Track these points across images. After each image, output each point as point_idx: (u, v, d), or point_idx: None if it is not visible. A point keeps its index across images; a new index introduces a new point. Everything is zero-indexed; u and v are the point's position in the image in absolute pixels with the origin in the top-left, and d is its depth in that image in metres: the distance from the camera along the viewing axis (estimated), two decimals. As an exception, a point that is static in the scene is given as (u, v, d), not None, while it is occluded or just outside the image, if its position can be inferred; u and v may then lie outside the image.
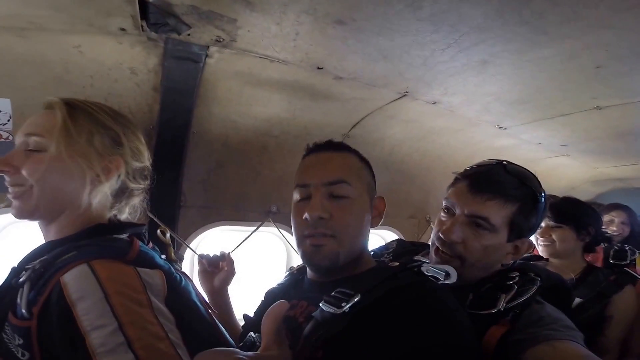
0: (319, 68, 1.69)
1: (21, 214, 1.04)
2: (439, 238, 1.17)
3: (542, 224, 1.95)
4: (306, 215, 0.99)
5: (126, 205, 1.18)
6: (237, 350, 0.70)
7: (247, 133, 2.09)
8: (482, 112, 2.34)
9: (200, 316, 1.08)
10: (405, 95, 2.03)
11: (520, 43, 1.53)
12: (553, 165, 3.59)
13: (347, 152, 1.10)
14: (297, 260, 2.44)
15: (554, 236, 1.96)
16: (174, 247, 1.88)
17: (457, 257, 1.14)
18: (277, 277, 2.47)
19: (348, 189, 1.02)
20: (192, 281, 1.19)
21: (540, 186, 1.18)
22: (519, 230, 1.14)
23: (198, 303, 1.10)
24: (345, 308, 0.85)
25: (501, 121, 2.51)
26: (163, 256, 1.24)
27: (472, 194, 1.14)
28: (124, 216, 1.19)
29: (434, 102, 2.14)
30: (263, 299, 1.26)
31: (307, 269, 1.13)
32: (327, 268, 1.01)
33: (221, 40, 1.46)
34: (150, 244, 1.18)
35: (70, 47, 1.45)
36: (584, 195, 4.84)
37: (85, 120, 1.07)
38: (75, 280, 0.87)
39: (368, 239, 1.10)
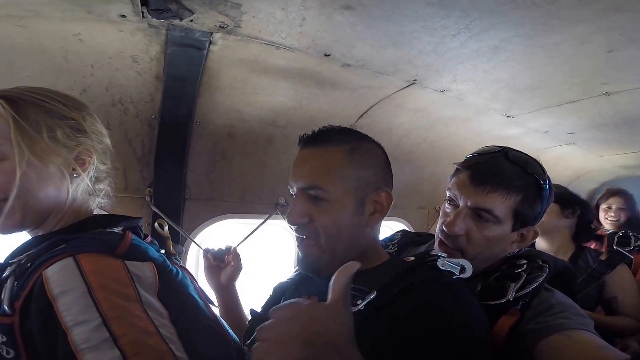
0: (326, 55, 1.65)
1: (8, 230, 0.99)
2: (442, 231, 1.16)
3: None
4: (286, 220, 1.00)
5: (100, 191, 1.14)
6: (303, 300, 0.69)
7: (253, 123, 2.05)
8: (491, 100, 2.31)
9: (199, 310, 1.06)
10: (414, 83, 1.99)
11: (532, 27, 1.50)
12: (559, 154, 3.57)
13: (332, 147, 1.01)
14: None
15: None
16: (178, 242, 1.86)
17: (459, 250, 1.12)
18: (285, 271, 2.46)
19: (322, 193, 0.97)
20: (191, 275, 1.17)
21: (544, 172, 1.15)
22: (524, 219, 1.12)
23: (196, 297, 1.08)
24: (360, 306, 0.83)
25: (509, 109, 2.48)
26: (162, 250, 1.21)
27: (474, 185, 1.11)
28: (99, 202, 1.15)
29: (443, 90, 2.11)
30: (271, 294, 1.23)
31: None
32: (312, 274, 1.01)
33: (225, 26, 1.41)
34: (149, 238, 1.15)
35: (69, 36, 1.41)
36: (588, 184, 4.85)
37: (38, 115, 0.98)
38: (58, 274, 0.84)
39: (366, 235, 1.04)
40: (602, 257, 1.99)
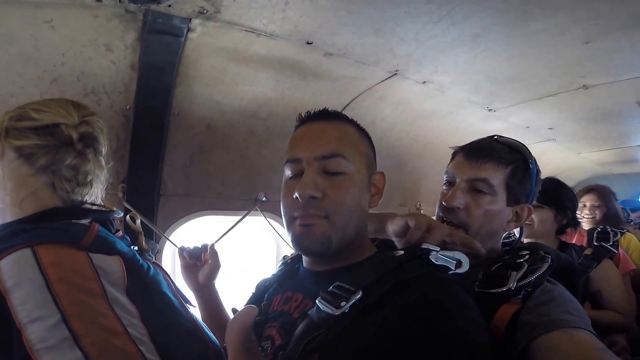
0: (308, 43, 1.62)
1: None
2: (443, 208, 1.18)
3: None
4: (296, 194, 0.88)
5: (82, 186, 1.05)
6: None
7: (233, 115, 2.00)
8: (472, 93, 2.33)
9: (172, 309, 1.01)
10: (396, 74, 1.98)
11: (513, 15, 1.52)
12: (540, 151, 3.63)
13: (344, 122, 0.99)
14: (286, 251, 2.37)
15: (533, 216, 1.90)
16: (153, 239, 1.79)
17: (462, 225, 1.14)
18: (266, 269, 2.41)
19: (344, 163, 0.91)
20: (165, 272, 1.12)
21: (530, 154, 1.21)
22: (516, 194, 1.17)
23: (170, 295, 1.03)
24: (344, 308, 0.75)
25: (490, 102, 2.51)
26: (135, 247, 1.15)
27: (468, 161, 1.18)
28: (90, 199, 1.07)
29: (424, 82, 2.11)
30: (254, 291, 1.17)
31: (302, 258, 1.03)
32: (319, 252, 0.91)
33: (204, 11, 1.37)
34: (120, 233, 1.09)
35: (40, 22, 1.34)
36: (566, 182, 4.94)
37: None
38: (12, 265, 0.78)
39: (366, 222, 1.01)
40: (587, 252, 1.99)
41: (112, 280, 0.86)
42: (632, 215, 4.21)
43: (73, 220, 0.95)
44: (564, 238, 2.12)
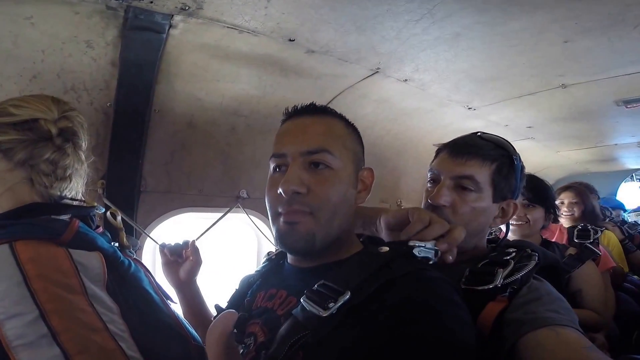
0: (290, 40, 1.62)
1: None
2: (428, 206, 1.16)
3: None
4: (280, 189, 0.87)
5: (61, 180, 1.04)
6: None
7: (214, 112, 1.99)
8: (452, 91, 2.35)
9: (153, 306, 1.00)
10: (377, 72, 2.00)
11: (493, 14, 1.53)
12: (519, 149, 3.54)
13: (331, 117, 0.98)
14: (268, 248, 2.37)
15: (529, 216, 1.97)
16: (133, 235, 1.77)
17: (448, 223, 1.11)
18: (247, 265, 2.41)
19: (330, 158, 0.90)
20: (146, 269, 1.11)
21: (515, 150, 1.22)
22: (501, 190, 1.16)
23: (151, 292, 1.02)
24: (332, 310, 0.74)
25: (470, 101, 2.54)
26: (115, 244, 1.14)
27: (453, 158, 1.16)
28: (70, 194, 1.06)
29: (405, 80, 2.13)
30: (237, 287, 1.16)
31: (287, 254, 1.03)
32: (302, 251, 0.90)
33: (186, 8, 1.36)
34: (101, 229, 1.08)
35: (20, 19, 1.32)
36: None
37: None
38: None
39: (352, 218, 0.99)
40: (571, 252, 2.02)
41: (92, 276, 0.85)
42: (613, 213, 4.29)
43: (53, 216, 0.93)
44: (545, 235, 2.17)
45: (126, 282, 0.96)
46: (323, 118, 0.97)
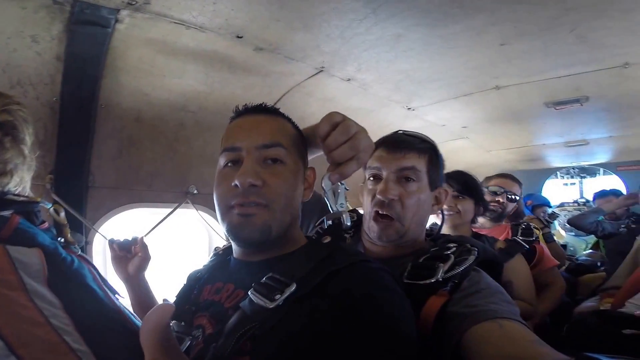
0: (238, 37, 1.65)
1: None
2: (377, 202, 1.20)
3: None
4: (236, 181, 0.87)
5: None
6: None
7: (162, 108, 1.99)
8: (393, 91, 2.45)
9: (97, 301, 0.99)
10: (322, 70, 2.06)
11: (435, 16, 1.60)
12: (453, 148, 3.86)
13: (281, 118, 1.02)
14: (218, 243, 2.38)
15: (459, 206, 2.09)
16: (82, 232, 1.75)
17: (397, 217, 1.18)
18: (198, 261, 2.40)
19: (284, 153, 0.93)
20: (90, 264, 1.09)
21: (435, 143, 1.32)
22: (434, 180, 1.24)
23: (95, 287, 1.01)
24: (278, 301, 0.76)
25: (410, 101, 2.65)
26: (61, 239, 1.13)
27: (392, 153, 1.21)
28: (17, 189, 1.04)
29: (349, 79, 2.21)
30: (185, 282, 1.17)
31: (234, 249, 1.03)
32: (258, 241, 0.91)
33: (133, 2, 1.37)
34: (46, 224, 1.06)
35: (-36, 14, 1.28)
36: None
37: None
38: None
39: (299, 213, 1.01)
40: (500, 245, 2.12)
41: (31, 272, 0.85)
42: (537, 210, 4.56)
43: None
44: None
45: (68, 278, 0.95)
46: (274, 117, 1.01)
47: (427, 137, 1.30)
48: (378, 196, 1.18)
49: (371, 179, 1.26)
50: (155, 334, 0.59)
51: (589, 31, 1.74)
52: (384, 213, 1.18)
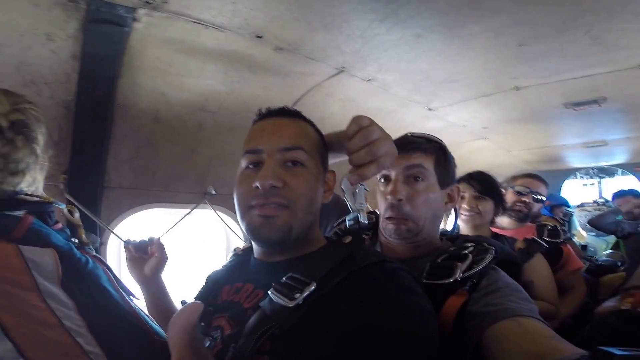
0: (258, 37, 1.63)
1: None
2: (390, 204, 1.21)
3: (466, 195, 2.09)
4: (257, 183, 0.89)
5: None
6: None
7: (180, 108, 1.97)
8: (413, 92, 2.42)
9: (112, 302, 0.99)
10: (343, 71, 2.03)
11: (454, 17, 1.58)
12: (474, 148, 3.85)
13: (302, 121, 1.04)
14: (236, 244, 2.38)
15: (480, 207, 2.07)
16: (96, 232, 1.74)
17: (409, 217, 1.18)
18: (216, 262, 2.39)
19: (304, 156, 0.95)
20: (105, 265, 1.09)
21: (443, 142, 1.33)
22: (444, 178, 1.24)
23: (110, 289, 1.01)
24: (298, 300, 0.76)
25: (430, 101, 2.61)
26: (75, 240, 1.12)
27: (399, 154, 1.18)
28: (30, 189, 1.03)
29: (369, 80, 2.18)
30: (204, 283, 1.17)
31: (254, 249, 1.04)
32: (278, 241, 0.92)
33: (151, 1, 1.35)
34: (60, 225, 1.05)
35: (-24, 11, 1.27)
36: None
37: None
38: None
39: (319, 214, 1.03)
40: (520, 245, 2.08)
41: (44, 273, 0.84)
42: (556, 211, 4.50)
43: (5, 212, 0.91)
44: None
45: (83, 279, 0.94)
46: (296, 120, 1.03)
47: (435, 137, 1.31)
48: (388, 197, 1.20)
49: (382, 180, 1.27)
50: (184, 334, 0.59)
51: (603, 32, 1.72)
52: (395, 215, 1.20)
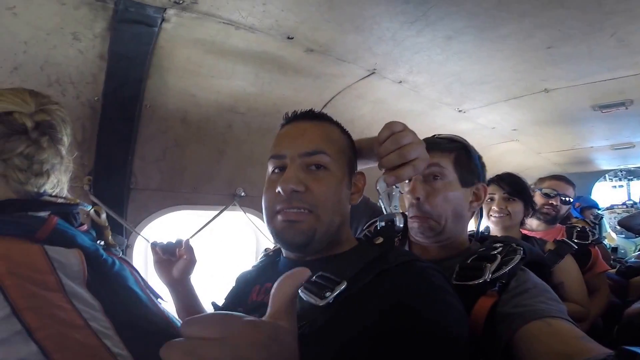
0: (289, 38, 1.60)
1: None
2: (410, 203, 1.24)
3: (496, 196, 2.11)
4: (279, 188, 0.90)
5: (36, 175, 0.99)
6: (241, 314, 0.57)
7: (209, 109, 1.95)
8: (444, 93, 2.39)
9: (140, 304, 0.98)
10: (374, 73, 2.01)
11: (483, 19, 1.57)
12: (504, 150, 3.81)
13: (328, 123, 1.04)
14: (266, 245, 2.34)
15: (509, 208, 2.08)
16: (122, 234, 1.73)
17: (430, 215, 1.20)
18: (245, 263, 2.38)
19: (327, 160, 0.95)
20: (132, 267, 1.08)
21: (467, 142, 1.32)
22: (466, 176, 1.24)
23: (137, 290, 1.00)
24: (329, 299, 0.76)
25: (461, 103, 2.58)
26: (101, 242, 1.12)
27: None
28: (55, 191, 1.02)
29: (400, 82, 2.15)
30: (234, 284, 1.17)
31: (282, 249, 1.05)
32: (301, 244, 0.92)
33: (180, 1, 1.33)
34: (85, 227, 1.04)
35: (2, 9, 1.25)
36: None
37: None
38: None
39: (348, 217, 1.02)
40: (550, 247, 2.08)
41: (70, 273, 0.83)
42: (587, 213, 4.42)
43: (30, 213, 0.90)
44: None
45: (109, 280, 0.93)
46: (321, 123, 1.02)
47: (459, 137, 1.31)
48: (408, 196, 1.23)
49: (407, 181, 1.26)
50: (290, 289, 0.59)
51: (628, 35, 1.71)
52: (417, 214, 1.22)
